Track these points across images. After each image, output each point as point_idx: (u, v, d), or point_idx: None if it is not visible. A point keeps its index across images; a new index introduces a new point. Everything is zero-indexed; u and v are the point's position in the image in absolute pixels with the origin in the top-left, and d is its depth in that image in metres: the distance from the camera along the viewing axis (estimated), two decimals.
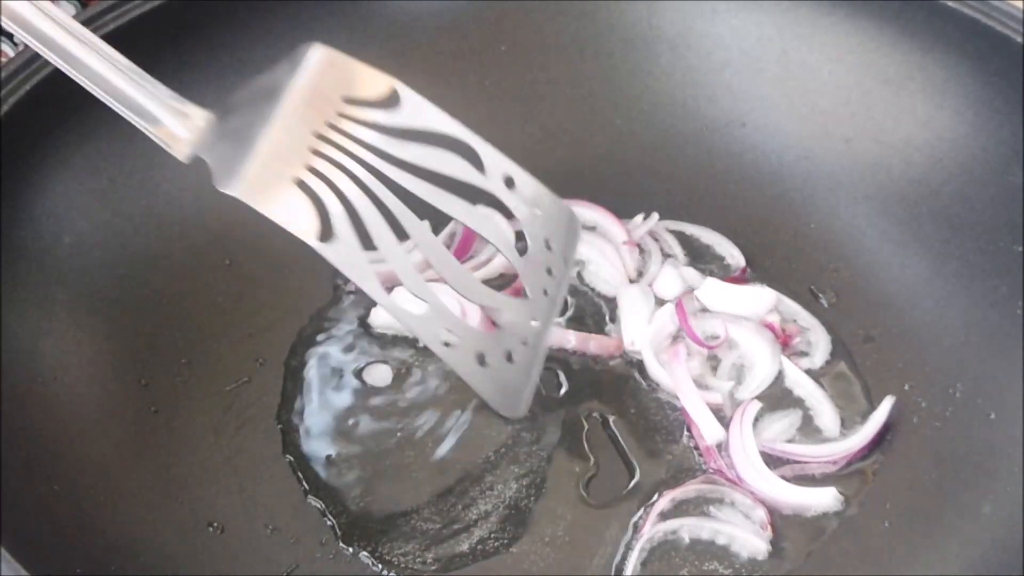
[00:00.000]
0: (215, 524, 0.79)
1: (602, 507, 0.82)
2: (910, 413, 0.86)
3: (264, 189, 0.69)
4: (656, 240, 0.99)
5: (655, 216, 0.99)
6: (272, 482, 0.83)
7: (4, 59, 1.03)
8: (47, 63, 0.84)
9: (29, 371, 0.80)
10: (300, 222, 0.69)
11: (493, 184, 0.78)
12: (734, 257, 0.97)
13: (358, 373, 0.89)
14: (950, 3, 0.91)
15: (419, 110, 0.75)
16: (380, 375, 0.89)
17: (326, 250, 0.69)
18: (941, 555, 0.77)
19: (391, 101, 0.74)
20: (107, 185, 0.90)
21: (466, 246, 0.97)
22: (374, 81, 0.74)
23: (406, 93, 0.75)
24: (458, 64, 1.04)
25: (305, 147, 0.71)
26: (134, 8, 0.89)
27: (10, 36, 1.09)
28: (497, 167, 0.78)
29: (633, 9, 1.03)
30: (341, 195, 0.71)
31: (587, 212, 0.99)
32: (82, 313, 0.86)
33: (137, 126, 0.71)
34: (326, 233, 0.70)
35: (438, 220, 0.85)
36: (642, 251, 0.97)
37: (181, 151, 0.71)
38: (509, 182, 0.79)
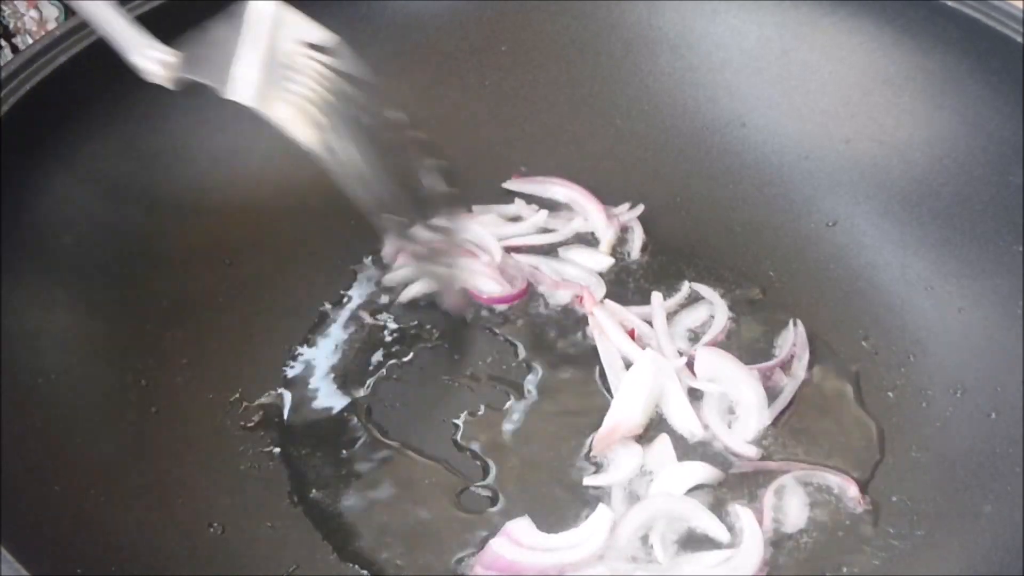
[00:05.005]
0: (215, 524, 0.79)
1: None
2: (911, 412, 0.86)
3: (266, 100, 0.77)
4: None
5: (640, 206, 1.00)
6: (272, 482, 0.83)
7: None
8: (47, 63, 0.85)
9: (29, 371, 0.80)
10: (300, 129, 0.76)
11: None
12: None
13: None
14: (950, 3, 0.91)
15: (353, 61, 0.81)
16: None
17: (327, 157, 0.77)
18: (941, 555, 0.77)
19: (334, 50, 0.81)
20: (107, 185, 0.90)
21: None
22: (318, 31, 0.81)
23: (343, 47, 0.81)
24: (458, 64, 1.04)
25: (280, 74, 0.78)
26: (134, 8, 0.89)
27: (10, 37, 1.10)
28: None
29: (633, 9, 1.04)
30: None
31: (563, 191, 1.01)
32: (82, 313, 0.86)
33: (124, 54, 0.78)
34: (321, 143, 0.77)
35: None
36: (625, 230, 0.99)
37: (167, 76, 0.78)
38: None
